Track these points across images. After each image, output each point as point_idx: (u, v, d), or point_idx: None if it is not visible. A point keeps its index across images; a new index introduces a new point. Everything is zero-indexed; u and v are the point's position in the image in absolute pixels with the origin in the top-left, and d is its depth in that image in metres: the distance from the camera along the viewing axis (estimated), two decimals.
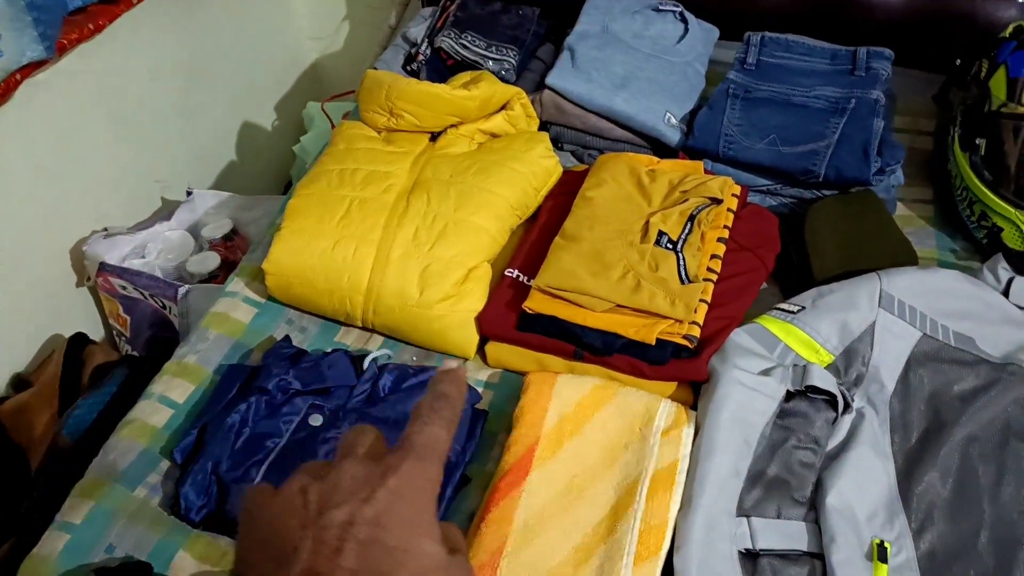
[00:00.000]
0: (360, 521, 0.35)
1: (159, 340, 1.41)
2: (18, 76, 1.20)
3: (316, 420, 0.97)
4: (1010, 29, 1.21)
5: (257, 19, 1.90)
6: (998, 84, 1.15)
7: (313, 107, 1.91)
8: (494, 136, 1.28)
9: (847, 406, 0.98)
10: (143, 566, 0.85)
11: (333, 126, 1.74)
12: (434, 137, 1.25)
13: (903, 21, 1.42)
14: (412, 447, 0.38)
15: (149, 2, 1.45)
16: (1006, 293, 1.05)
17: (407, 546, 0.35)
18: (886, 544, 0.88)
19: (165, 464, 0.97)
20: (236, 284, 1.17)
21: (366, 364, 1.03)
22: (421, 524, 0.36)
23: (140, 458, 0.97)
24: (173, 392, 1.04)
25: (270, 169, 2.03)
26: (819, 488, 0.93)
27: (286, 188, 2.00)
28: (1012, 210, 1.13)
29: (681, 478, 0.91)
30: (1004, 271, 1.06)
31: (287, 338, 1.08)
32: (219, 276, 1.45)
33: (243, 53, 1.86)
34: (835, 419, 0.98)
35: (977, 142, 1.17)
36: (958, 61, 1.28)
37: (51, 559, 0.88)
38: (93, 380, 1.19)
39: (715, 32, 1.46)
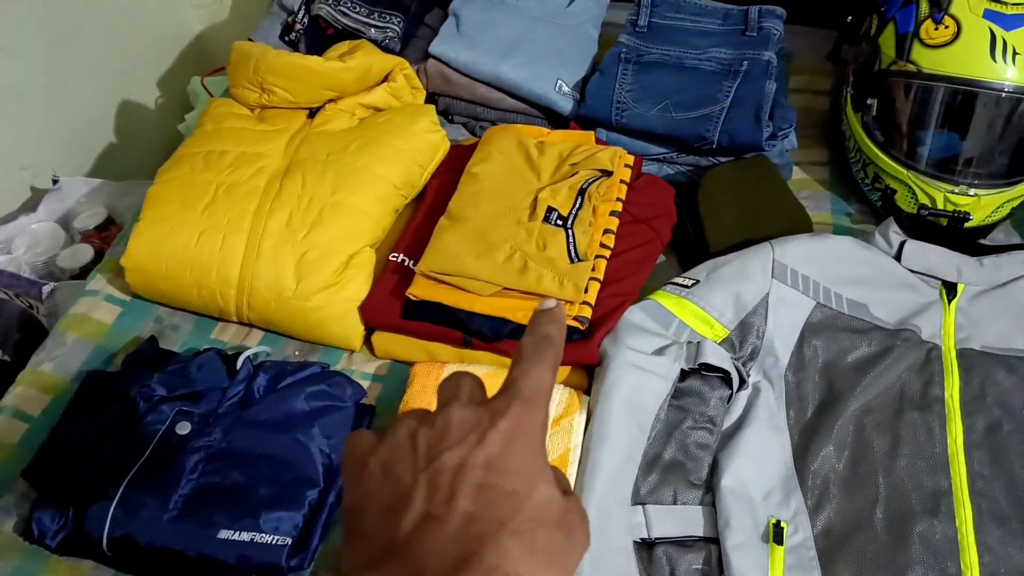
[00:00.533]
0: (474, 465, 0.34)
1: (32, 343, 1.31)
2: None
3: (183, 428, 0.90)
4: None
5: None
6: (887, 41, 1.12)
7: (196, 82, 1.79)
8: (377, 111, 1.20)
9: (742, 382, 0.96)
10: None
11: None
12: (312, 113, 1.18)
13: None
14: (519, 390, 0.37)
15: None
16: (898, 257, 1.03)
17: (523, 489, 0.34)
18: (782, 524, 0.86)
19: (21, 484, 0.89)
20: (98, 281, 1.08)
21: (240, 363, 0.96)
22: (535, 466, 0.35)
23: None
24: (28, 405, 0.95)
25: (154, 150, 1.90)
26: (715, 469, 0.90)
27: None
28: (904, 171, 1.11)
29: (573, 468, 0.88)
30: (896, 235, 1.05)
31: (152, 339, 1.00)
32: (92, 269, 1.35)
33: (117, 23, 1.72)
34: (730, 396, 0.95)
35: (869, 102, 1.15)
36: (849, 18, 1.25)
37: None
38: None
39: None
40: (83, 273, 1.34)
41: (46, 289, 1.22)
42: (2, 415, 0.94)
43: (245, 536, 0.81)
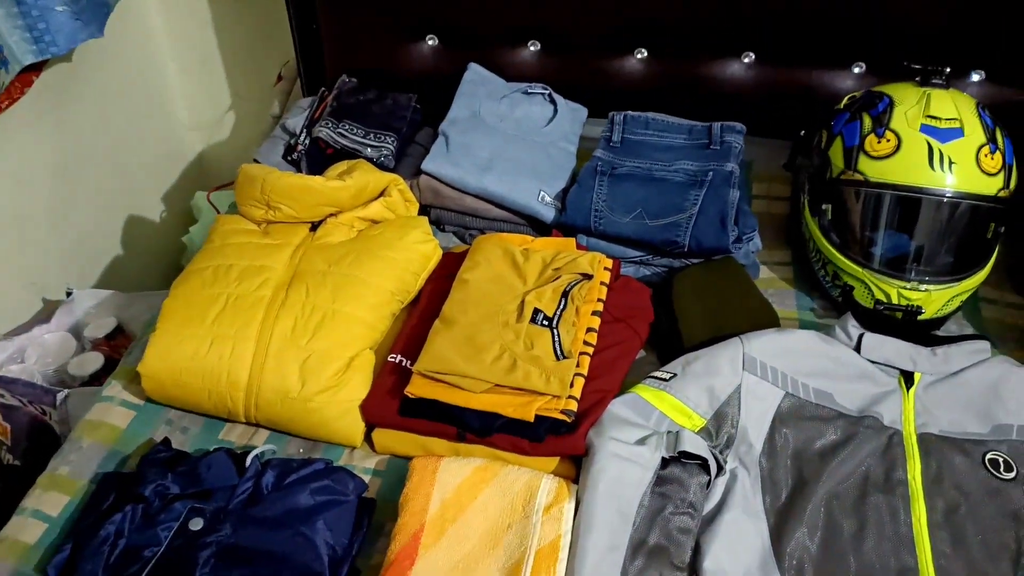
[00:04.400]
0: None
1: (40, 448, 1.36)
2: None
3: (196, 524, 0.95)
4: (844, 101, 1.32)
5: (132, 116, 1.89)
6: (836, 153, 1.24)
7: (200, 197, 1.89)
8: (374, 223, 1.30)
9: (720, 468, 1.03)
10: None
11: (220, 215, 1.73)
12: (314, 227, 1.27)
13: (754, 94, 1.53)
14: None
15: (18, 107, 1.44)
16: (858, 348, 1.12)
17: None
18: None
19: None
20: (113, 388, 1.15)
21: (248, 461, 1.02)
22: None
23: None
24: (46, 506, 1.00)
25: (160, 261, 2.00)
26: (696, 553, 0.96)
27: None
28: (860, 270, 1.21)
29: (564, 554, 0.93)
30: (854, 328, 1.14)
31: (165, 441, 1.06)
32: (103, 377, 1.42)
33: (119, 149, 1.84)
34: (709, 482, 1.02)
35: (823, 207, 1.26)
36: (802, 132, 1.38)
37: None
38: None
39: (583, 111, 1.54)
40: (92, 380, 1.41)
41: (60, 396, 1.28)
42: (23, 516, 0.99)
43: None
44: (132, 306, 1.54)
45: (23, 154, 1.54)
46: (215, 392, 1.08)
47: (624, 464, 0.99)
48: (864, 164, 1.20)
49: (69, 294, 1.52)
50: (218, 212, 1.76)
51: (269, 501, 0.98)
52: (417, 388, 1.07)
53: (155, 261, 1.96)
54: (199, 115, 2.09)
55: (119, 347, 1.49)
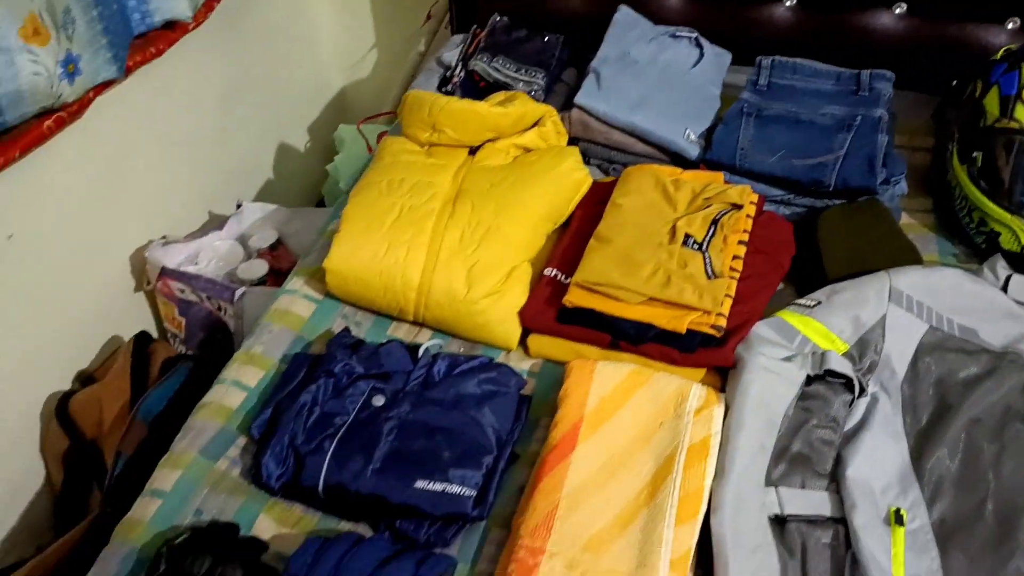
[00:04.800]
0: None
1: (212, 341, 1.50)
2: (91, 94, 1.31)
3: (378, 401, 1.06)
4: (1001, 53, 1.33)
5: (285, 51, 2.02)
6: (991, 102, 1.26)
7: (344, 130, 2.01)
8: (527, 151, 1.38)
9: (862, 390, 1.08)
10: (231, 526, 0.93)
11: (369, 145, 1.84)
12: (472, 151, 1.36)
13: (902, 47, 1.54)
14: None
15: (197, 31, 1.56)
16: (1004, 289, 1.15)
17: None
18: (902, 512, 0.97)
19: (242, 440, 1.06)
20: (295, 283, 1.27)
21: (420, 352, 1.13)
22: None
23: (219, 435, 1.06)
24: (244, 377, 1.13)
25: (301, 188, 2.13)
26: (838, 463, 1.02)
27: (318, 204, 2.10)
28: (1008, 216, 1.23)
29: (714, 451, 1.01)
30: (1003, 269, 1.17)
31: (346, 329, 1.17)
32: (266, 282, 1.55)
33: (275, 82, 1.97)
34: (852, 401, 1.07)
35: (974, 155, 1.28)
36: (954, 82, 1.39)
37: (143, 522, 0.97)
38: (163, 371, 1.29)
39: (727, 56, 1.58)
40: (259, 283, 1.54)
41: (238, 292, 1.41)
42: (224, 384, 1.12)
43: (437, 487, 0.96)
44: (292, 221, 1.67)
45: (197, 78, 1.67)
46: (390, 290, 1.19)
47: (772, 377, 1.06)
48: (1020, 112, 1.22)
49: (239, 206, 1.65)
50: (367, 141, 1.88)
51: (441, 387, 1.08)
52: (575, 298, 1.15)
53: (297, 187, 2.09)
54: (344, 54, 2.21)
55: (279, 257, 1.62)
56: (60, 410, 1.32)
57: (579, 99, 1.45)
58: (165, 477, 1.01)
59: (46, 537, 1.40)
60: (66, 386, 1.42)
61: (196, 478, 1.01)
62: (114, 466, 1.16)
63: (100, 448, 1.26)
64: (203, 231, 1.64)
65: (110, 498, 1.15)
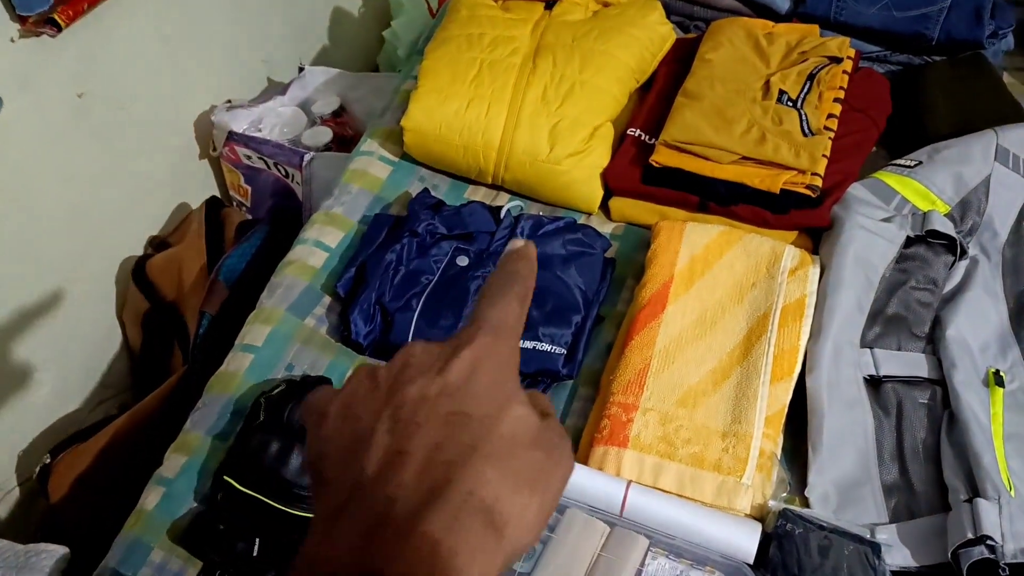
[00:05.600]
0: (437, 393, 0.31)
1: (280, 209, 1.49)
2: None
3: (463, 261, 1.05)
4: None
5: None
6: None
7: None
8: (606, 4, 1.31)
9: (963, 252, 1.04)
10: (324, 379, 0.94)
11: (430, 9, 1.77)
12: (549, 5, 1.29)
13: None
14: (483, 321, 0.35)
15: None
16: None
17: (494, 412, 0.31)
18: (1001, 373, 0.95)
19: (327, 299, 1.06)
20: (369, 144, 1.24)
21: (503, 213, 1.10)
22: (506, 390, 0.33)
23: (305, 293, 1.06)
24: (326, 237, 1.12)
25: (356, 55, 2.07)
26: (937, 324, 0.99)
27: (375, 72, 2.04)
28: None
29: (810, 311, 0.98)
30: None
31: (426, 190, 1.15)
32: (332, 149, 1.52)
33: None
34: (952, 263, 1.04)
35: None
36: None
37: (239, 374, 0.98)
38: (239, 234, 1.28)
39: None
40: (324, 150, 1.51)
41: (307, 157, 1.39)
42: (306, 245, 1.11)
43: (528, 344, 0.96)
44: (356, 87, 1.62)
45: None
46: (470, 149, 1.15)
47: (871, 236, 1.02)
48: None
49: (301, 69, 1.61)
50: (427, 3, 1.80)
51: None
52: (662, 157, 1.11)
53: (353, 50, 2.02)
54: None
55: (343, 124, 1.58)
56: (137, 273, 1.33)
57: None
58: (256, 332, 1.01)
59: (127, 396, 1.44)
60: (139, 251, 1.42)
61: (286, 334, 1.01)
62: (199, 325, 1.17)
63: (180, 309, 1.27)
64: (264, 96, 1.61)
65: (196, 356, 1.17)
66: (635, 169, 1.14)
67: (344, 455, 0.31)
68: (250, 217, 1.55)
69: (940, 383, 0.95)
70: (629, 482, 0.86)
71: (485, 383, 0.32)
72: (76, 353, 1.33)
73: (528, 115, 1.14)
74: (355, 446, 0.31)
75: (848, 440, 0.91)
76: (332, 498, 0.31)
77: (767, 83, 1.14)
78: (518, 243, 0.39)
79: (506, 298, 0.36)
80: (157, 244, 1.39)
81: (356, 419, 0.32)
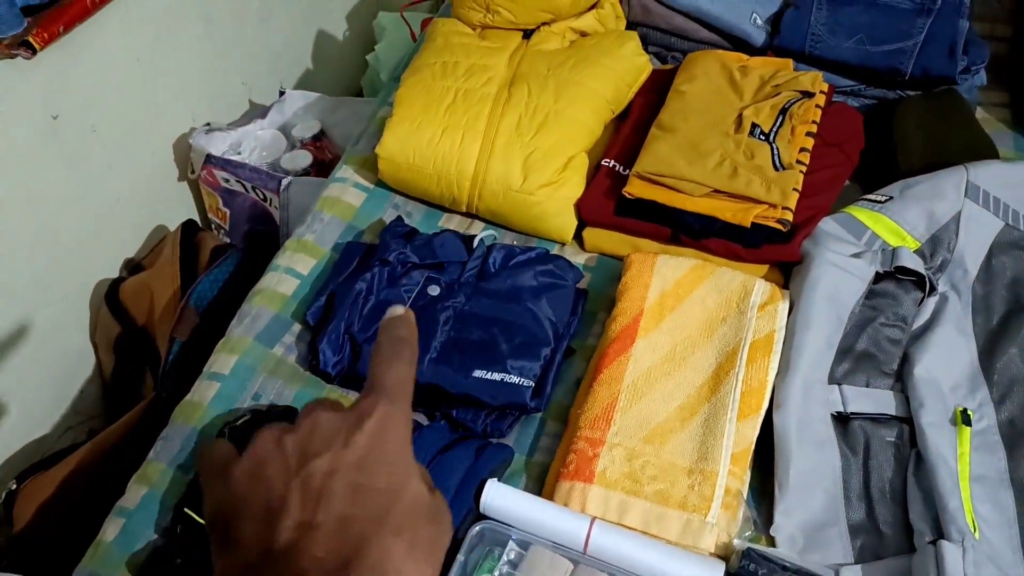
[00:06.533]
0: (343, 467, 0.34)
1: (257, 233, 1.49)
2: None
3: (434, 290, 1.04)
4: None
5: None
6: None
7: (385, 17, 1.94)
8: (583, 35, 1.32)
9: (932, 289, 1.04)
10: (290, 409, 0.93)
11: (412, 33, 1.78)
12: (527, 35, 1.30)
13: None
14: (382, 388, 0.37)
15: None
16: None
17: (396, 485, 0.35)
18: (969, 412, 0.95)
19: (297, 327, 1.05)
20: (344, 171, 1.24)
21: (475, 243, 1.10)
22: (403, 465, 0.36)
23: (273, 321, 1.05)
24: (297, 265, 1.11)
25: (339, 78, 2.07)
26: (906, 362, 0.99)
27: (357, 96, 2.04)
28: None
29: (778, 347, 0.98)
30: None
31: (400, 218, 1.14)
32: (310, 173, 1.51)
33: None
34: (921, 299, 1.04)
35: None
36: None
37: (203, 404, 0.97)
38: (212, 259, 1.28)
39: None
40: (303, 174, 1.51)
41: (284, 182, 1.38)
42: (277, 272, 1.11)
43: (496, 376, 0.95)
44: (336, 111, 1.62)
45: None
46: (444, 178, 1.15)
47: (841, 272, 1.02)
48: None
49: (282, 93, 1.61)
50: (410, 28, 1.81)
51: (497, 278, 1.06)
52: (635, 189, 1.11)
53: (336, 74, 2.03)
54: None
55: (323, 148, 1.58)
56: (110, 297, 1.32)
57: None
58: (223, 361, 1.00)
59: (97, 422, 1.43)
60: (114, 274, 1.41)
61: (253, 363, 1.00)
62: (168, 351, 1.16)
63: (151, 334, 1.26)
64: (244, 119, 1.61)
65: (164, 383, 1.16)
66: (609, 200, 1.14)
67: (255, 520, 0.33)
68: (227, 240, 1.55)
69: (908, 421, 0.95)
70: (593, 519, 0.85)
71: (387, 455, 0.35)
72: (45, 377, 1.32)
73: (502, 145, 1.14)
74: (267, 513, 0.33)
75: (816, 481, 0.90)
76: (238, 558, 0.33)
77: (740, 116, 1.15)
78: (398, 310, 0.42)
79: (398, 362, 0.39)
80: (132, 267, 1.38)
81: (267, 484, 0.34)
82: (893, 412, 0.96)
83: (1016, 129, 1.29)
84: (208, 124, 1.51)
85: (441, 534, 0.35)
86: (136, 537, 0.88)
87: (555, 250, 1.17)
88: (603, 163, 1.19)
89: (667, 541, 0.86)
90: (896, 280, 1.04)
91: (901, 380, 0.99)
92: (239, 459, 0.35)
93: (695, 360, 0.98)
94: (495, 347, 0.98)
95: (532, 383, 0.96)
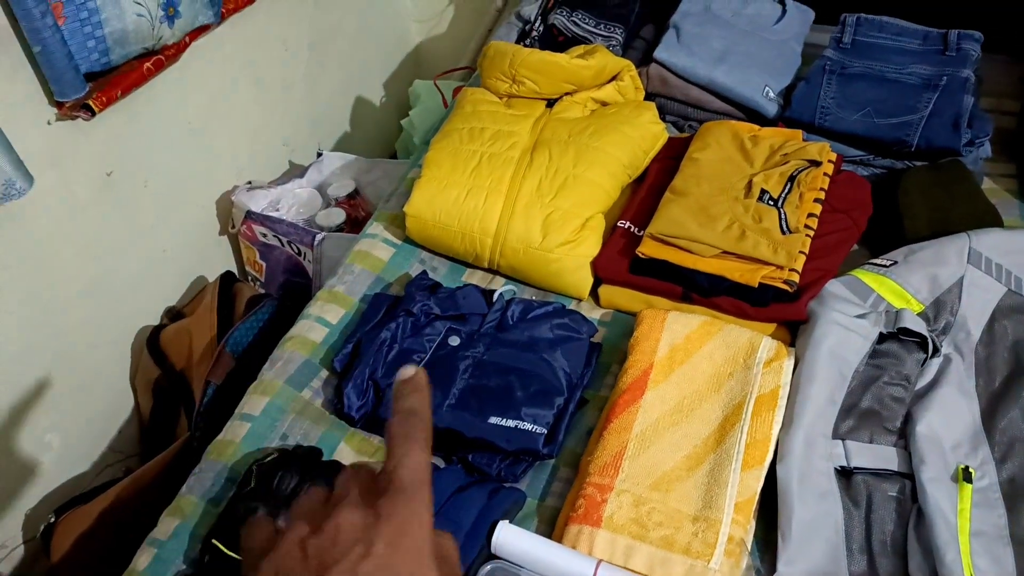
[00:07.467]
0: (363, 573, 0.35)
1: (291, 285, 1.56)
2: (188, 38, 1.36)
3: (454, 341, 1.10)
4: None
5: (368, 4, 2.05)
6: None
7: (420, 84, 2.05)
8: (604, 104, 1.39)
9: (935, 350, 1.08)
10: (315, 450, 0.99)
11: (444, 100, 1.87)
12: (550, 104, 1.38)
13: (992, 7, 1.50)
14: (400, 485, 0.39)
15: None
16: None
17: None
18: (971, 469, 0.97)
19: (324, 373, 1.11)
20: (375, 227, 1.31)
21: (495, 297, 1.16)
22: (423, 565, 0.37)
23: (303, 366, 1.11)
24: (327, 314, 1.18)
25: (375, 142, 2.18)
26: (909, 419, 1.03)
27: (392, 158, 2.14)
28: None
29: (783, 402, 1.02)
30: None
31: (424, 272, 1.21)
32: (344, 229, 1.59)
33: (357, 33, 2.01)
34: (924, 360, 1.07)
35: None
36: None
37: (235, 442, 1.03)
38: (248, 308, 1.35)
39: (811, 14, 1.56)
40: (336, 230, 1.59)
41: (318, 237, 1.46)
42: (308, 320, 1.17)
43: (511, 423, 1.00)
44: (370, 171, 1.71)
45: (287, 26, 1.71)
46: (468, 235, 1.22)
47: (845, 332, 1.06)
48: None
49: (320, 154, 1.70)
50: (442, 95, 1.91)
51: (515, 330, 1.12)
52: (649, 249, 1.17)
53: (372, 136, 2.14)
54: (422, 6, 2.23)
55: (356, 206, 1.67)
56: (151, 342, 1.40)
57: (659, 53, 1.45)
58: (254, 403, 1.07)
59: (135, 461, 1.49)
60: (156, 320, 1.49)
61: (282, 405, 1.06)
62: (203, 394, 1.23)
63: (188, 378, 1.33)
64: (284, 178, 1.70)
65: (198, 424, 1.22)
66: (624, 259, 1.20)
67: None
68: (262, 291, 1.62)
69: (910, 477, 0.98)
70: (599, 561, 0.89)
71: (406, 560, 0.37)
72: (87, 416, 1.39)
73: (523, 205, 1.21)
74: None
75: (818, 532, 0.93)
76: None
77: (750, 182, 1.21)
78: (408, 372, 0.42)
79: (413, 450, 0.40)
80: (173, 314, 1.46)
81: None
82: (895, 468, 0.98)
83: (1022, 198, 1.33)
84: (250, 182, 1.60)
85: None
86: (167, 566, 0.93)
87: (572, 306, 1.22)
88: (619, 224, 1.25)
89: None
90: (900, 341, 1.08)
91: (904, 437, 1.02)
92: (269, 555, 0.38)
93: (702, 412, 1.03)
94: (511, 395, 1.03)
95: (545, 430, 1.00)
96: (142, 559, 0.94)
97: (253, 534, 0.39)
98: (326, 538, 0.37)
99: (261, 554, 0.38)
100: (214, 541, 0.89)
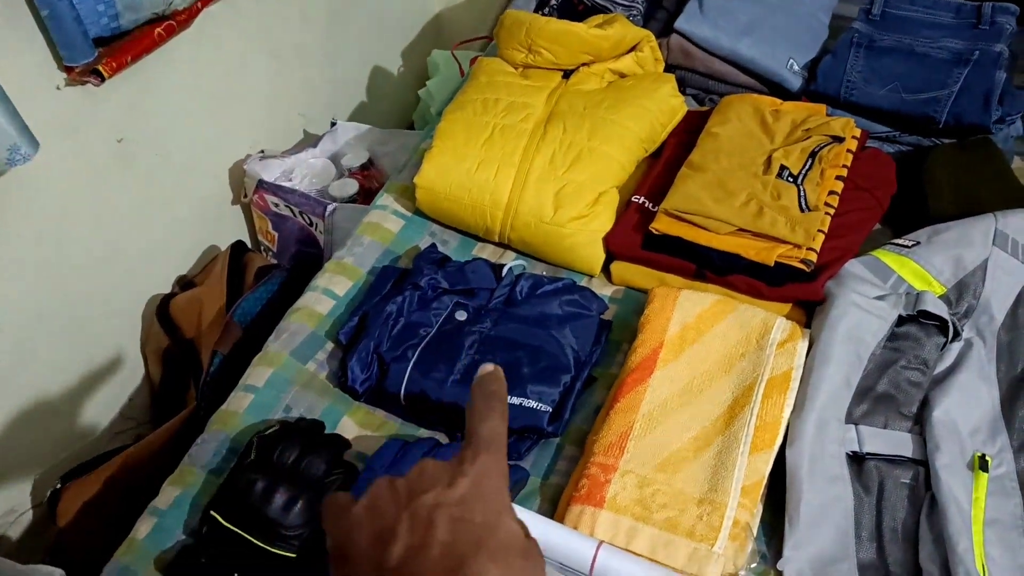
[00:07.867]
0: (448, 502, 0.39)
1: (303, 255, 1.55)
2: (200, 4, 1.33)
3: (461, 315, 1.08)
4: None
5: None
6: None
7: (438, 54, 2.01)
8: (622, 76, 1.36)
9: (956, 334, 1.05)
10: (318, 423, 0.98)
11: (461, 70, 1.84)
12: (567, 75, 1.34)
13: None
14: (480, 441, 0.43)
15: None
16: None
17: (492, 522, 0.39)
18: (987, 457, 0.94)
19: (330, 345, 1.10)
20: (385, 199, 1.29)
21: (504, 271, 1.14)
22: (501, 505, 0.41)
23: (309, 338, 1.10)
24: (334, 286, 1.17)
25: (392, 111, 2.15)
26: (925, 405, 1.00)
27: (408, 129, 2.11)
28: None
29: (795, 384, 0.99)
30: None
31: (433, 245, 1.19)
32: (357, 201, 1.58)
33: (377, 1, 1.98)
34: (944, 344, 1.04)
35: None
36: None
37: (239, 413, 1.02)
38: (257, 278, 1.34)
39: None
40: (349, 201, 1.57)
41: (329, 208, 1.45)
42: (315, 292, 1.16)
43: (515, 400, 0.98)
44: (384, 142, 1.69)
45: None
46: (478, 208, 1.20)
47: (863, 313, 1.03)
48: None
49: (333, 124, 1.68)
50: (460, 65, 1.87)
51: (523, 305, 1.10)
52: (663, 225, 1.14)
53: (389, 110, 2.11)
54: None
55: (370, 177, 1.65)
56: (162, 311, 1.39)
57: (680, 24, 1.41)
58: (258, 374, 1.06)
59: (146, 428, 1.50)
60: (167, 289, 1.49)
61: (286, 377, 1.05)
62: (210, 364, 1.22)
63: (197, 347, 1.33)
64: (298, 148, 1.68)
65: (204, 393, 1.21)
66: (637, 235, 1.17)
67: (370, 543, 0.39)
68: (275, 262, 1.62)
69: (923, 464, 0.95)
70: (600, 542, 0.87)
71: (485, 496, 0.40)
72: (98, 383, 1.39)
73: (535, 178, 1.19)
74: (379, 537, 0.39)
75: (827, 517, 0.91)
76: (354, 573, 0.39)
77: (769, 158, 1.17)
78: (488, 367, 0.47)
79: (493, 416, 0.44)
80: (183, 284, 1.46)
81: (381, 516, 0.40)
82: (909, 454, 0.96)
83: None
84: (263, 151, 1.59)
85: (534, 569, 0.39)
86: (167, 535, 0.93)
87: (583, 282, 1.20)
88: (633, 199, 1.22)
89: (673, 568, 0.87)
90: (919, 324, 1.05)
91: (920, 423, 0.99)
92: (356, 502, 0.42)
93: (712, 393, 1.00)
94: (517, 371, 1.01)
95: (550, 408, 0.99)
96: (143, 527, 0.94)
97: (335, 498, 0.43)
98: (413, 477, 0.41)
99: (347, 505, 0.42)
100: (212, 512, 0.89)
